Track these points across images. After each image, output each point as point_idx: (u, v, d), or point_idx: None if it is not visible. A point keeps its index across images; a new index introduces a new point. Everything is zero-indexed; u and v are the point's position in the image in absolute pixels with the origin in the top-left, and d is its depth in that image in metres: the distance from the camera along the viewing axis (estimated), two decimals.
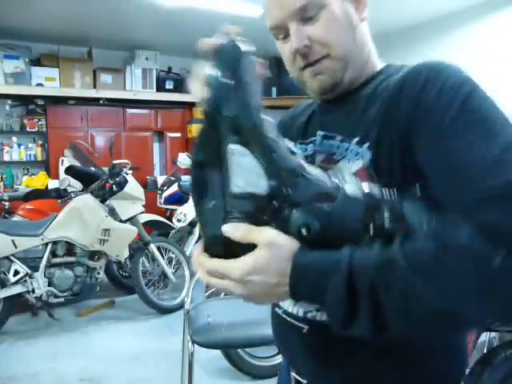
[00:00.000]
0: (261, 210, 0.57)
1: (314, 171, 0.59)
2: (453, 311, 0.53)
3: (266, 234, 0.57)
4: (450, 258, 0.52)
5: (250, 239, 0.57)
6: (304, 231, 0.55)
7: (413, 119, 0.63)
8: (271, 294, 0.60)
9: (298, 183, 0.56)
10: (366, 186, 0.60)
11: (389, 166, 0.65)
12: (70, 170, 3.51)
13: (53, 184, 4.59)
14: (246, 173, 0.55)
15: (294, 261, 0.57)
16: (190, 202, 4.10)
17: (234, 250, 0.57)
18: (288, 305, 0.76)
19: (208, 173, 0.59)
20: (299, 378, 0.80)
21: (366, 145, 0.68)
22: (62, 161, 4.68)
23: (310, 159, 0.77)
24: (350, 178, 0.60)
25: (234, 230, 0.57)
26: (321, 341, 0.70)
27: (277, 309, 0.81)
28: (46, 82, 4.89)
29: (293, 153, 0.59)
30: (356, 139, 0.70)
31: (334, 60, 0.72)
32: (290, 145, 0.60)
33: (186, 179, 4.67)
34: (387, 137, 0.66)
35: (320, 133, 0.78)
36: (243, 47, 0.59)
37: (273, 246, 0.57)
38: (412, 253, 0.54)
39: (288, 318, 0.76)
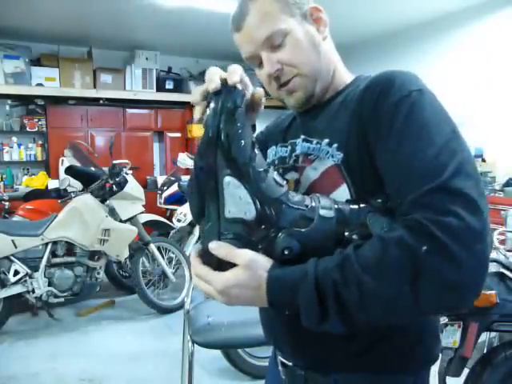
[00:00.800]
0: (250, 233, 0.67)
1: (295, 198, 0.70)
2: (394, 298, 0.61)
3: (246, 256, 0.66)
4: (387, 251, 0.61)
5: (230, 258, 0.67)
6: (286, 252, 0.66)
7: (370, 129, 0.73)
8: (250, 303, 0.70)
9: (282, 210, 0.67)
10: (339, 205, 0.70)
11: (359, 165, 0.75)
12: (69, 170, 3.51)
13: (53, 184, 4.59)
14: (237, 201, 0.65)
15: (268, 276, 0.67)
16: None
17: (222, 263, 0.67)
18: None
19: (205, 193, 0.69)
20: (285, 361, 0.87)
21: (335, 145, 0.78)
22: (62, 161, 4.68)
23: (288, 159, 0.89)
24: (325, 199, 0.71)
25: (219, 249, 0.67)
26: (301, 321, 0.75)
27: None
28: (45, 82, 4.89)
29: (278, 183, 0.69)
30: (326, 140, 0.80)
31: (303, 77, 0.82)
32: (277, 177, 0.70)
33: (186, 179, 4.66)
34: (355, 140, 0.75)
35: (302, 137, 0.88)
36: (242, 93, 0.69)
37: (251, 266, 0.66)
38: (361, 250, 0.64)
39: None
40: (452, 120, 0.70)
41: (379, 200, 0.71)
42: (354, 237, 0.67)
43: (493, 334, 2.18)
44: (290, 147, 0.90)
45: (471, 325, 1.74)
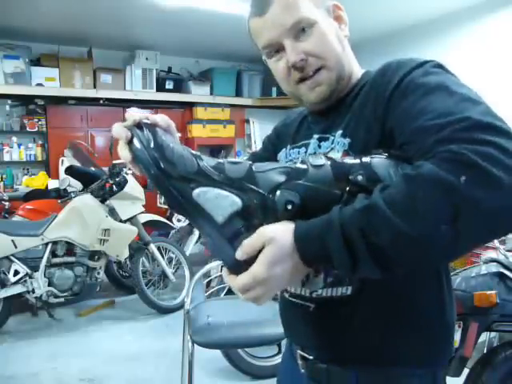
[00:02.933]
0: (251, 217, 0.66)
1: (266, 165, 0.69)
2: (432, 237, 0.57)
3: (263, 233, 0.64)
4: (418, 189, 0.57)
5: (256, 248, 0.63)
6: (289, 206, 0.64)
7: (384, 105, 0.72)
8: (292, 274, 0.65)
9: (257, 180, 0.66)
10: (332, 157, 0.69)
11: (367, 146, 0.73)
12: (69, 170, 3.52)
13: (53, 184, 4.58)
14: (217, 202, 0.65)
15: (294, 235, 0.63)
16: None
17: (251, 262, 0.65)
18: (295, 288, 0.83)
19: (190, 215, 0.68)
20: (305, 355, 0.86)
21: (348, 133, 0.78)
22: (62, 161, 4.68)
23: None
24: (314, 156, 0.70)
25: (243, 252, 0.64)
26: (325, 316, 0.78)
27: (284, 293, 0.87)
28: (46, 82, 4.89)
29: (236, 163, 0.69)
30: (340, 132, 0.79)
31: (329, 70, 0.80)
32: (232, 159, 0.70)
33: None
34: (365, 124, 0.75)
35: (316, 136, 0.86)
36: (149, 124, 0.69)
37: (273, 239, 0.63)
38: (388, 194, 0.59)
39: (295, 300, 0.83)
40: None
41: (380, 150, 0.69)
42: (359, 178, 0.64)
43: (493, 334, 2.18)
44: (303, 148, 0.88)
45: (471, 325, 1.74)
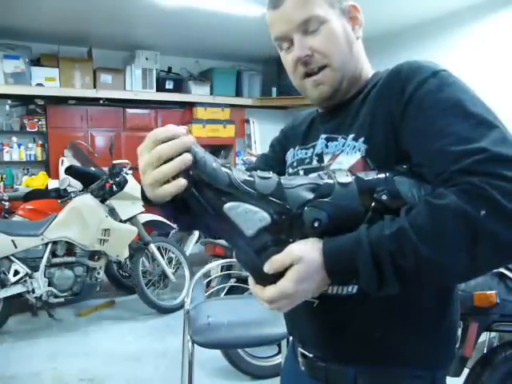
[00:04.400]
0: (278, 232, 0.67)
1: (294, 180, 0.71)
2: (452, 263, 0.62)
3: (292, 251, 0.66)
4: (442, 219, 0.61)
5: (285, 265, 0.66)
6: (316, 224, 0.67)
7: (397, 113, 0.73)
8: (317, 288, 0.70)
9: (286, 196, 0.68)
10: (357, 173, 0.71)
11: (384, 154, 0.75)
12: (69, 170, 3.51)
13: (53, 184, 4.58)
14: (247, 217, 0.67)
15: (323, 253, 0.67)
16: None
17: (278, 275, 0.67)
18: None
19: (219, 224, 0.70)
20: (305, 352, 0.88)
21: (362, 139, 0.78)
22: (62, 161, 4.68)
23: (309, 160, 0.88)
24: (340, 171, 0.72)
25: (271, 267, 0.66)
26: (328, 313, 0.79)
27: None
28: (46, 82, 4.89)
29: (265, 178, 0.70)
30: (352, 135, 0.80)
31: (332, 70, 0.81)
32: (261, 173, 0.71)
33: None
34: (380, 130, 0.76)
35: (323, 136, 0.87)
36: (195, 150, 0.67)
37: (302, 258, 0.66)
38: (414, 219, 0.63)
39: None
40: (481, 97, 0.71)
41: (404, 166, 0.71)
42: (384, 197, 0.67)
43: (493, 334, 2.18)
44: (311, 149, 0.89)
45: (471, 325, 1.74)
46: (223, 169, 0.67)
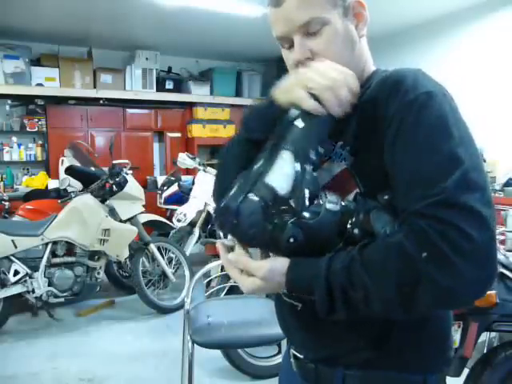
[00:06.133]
0: (272, 205, 0.70)
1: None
2: (393, 299, 0.64)
3: (262, 269, 0.72)
4: (389, 257, 0.64)
5: (248, 270, 0.73)
6: (291, 240, 0.70)
7: (380, 131, 0.72)
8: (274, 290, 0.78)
9: (304, 202, 0.71)
10: (345, 202, 0.74)
11: (369, 168, 0.75)
12: (69, 170, 3.51)
13: (53, 184, 4.59)
14: (282, 175, 0.71)
15: (286, 279, 0.72)
16: (190, 202, 4.10)
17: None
18: None
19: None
20: (297, 353, 0.89)
21: (347, 148, 0.78)
22: (62, 161, 4.67)
23: None
24: (332, 195, 0.75)
25: (237, 262, 0.74)
26: (312, 316, 0.77)
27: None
28: (45, 82, 4.89)
29: (316, 181, 0.73)
30: (340, 143, 0.80)
31: None
32: (315, 174, 0.74)
33: (186, 179, 4.67)
34: (365, 143, 0.76)
35: None
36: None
37: (268, 277, 0.72)
38: (366, 252, 0.67)
39: (286, 298, 0.84)
40: (463, 122, 0.69)
41: (386, 197, 0.72)
42: (356, 231, 0.70)
43: (493, 334, 2.18)
44: None
45: (471, 325, 1.74)
46: (319, 149, 0.74)
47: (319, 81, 0.71)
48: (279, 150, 0.72)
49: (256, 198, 0.70)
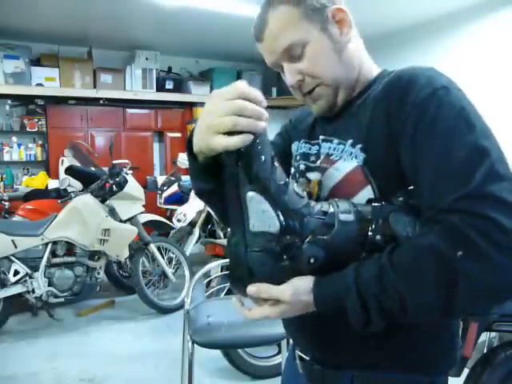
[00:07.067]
0: (276, 244, 0.68)
1: (315, 208, 0.71)
2: (431, 303, 0.63)
3: (286, 293, 0.69)
4: (421, 260, 0.63)
5: (273, 298, 0.70)
6: (312, 260, 0.68)
7: (395, 129, 0.72)
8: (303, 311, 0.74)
9: (304, 221, 0.69)
10: (358, 207, 0.72)
11: (383, 166, 0.74)
12: (69, 170, 3.51)
13: (53, 184, 4.59)
14: (261, 215, 0.67)
15: (314, 297, 0.70)
16: (190, 202, 4.10)
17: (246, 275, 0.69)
18: None
19: (229, 205, 0.71)
20: (302, 355, 0.88)
21: (359, 146, 0.77)
22: (62, 161, 4.67)
23: (314, 158, 0.88)
24: (343, 204, 0.73)
25: (259, 292, 0.69)
26: (320, 319, 0.77)
27: None
28: (45, 82, 4.89)
29: (298, 195, 0.70)
30: (350, 141, 0.79)
31: (326, 86, 0.81)
32: (297, 189, 0.71)
33: (186, 179, 4.67)
34: (379, 140, 0.75)
35: (321, 137, 0.88)
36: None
37: (293, 301, 0.70)
38: (395, 258, 0.65)
39: None
40: (481, 116, 0.69)
41: (400, 198, 0.71)
42: (378, 237, 0.69)
43: (493, 334, 2.18)
44: (316, 146, 0.89)
45: (471, 325, 1.74)
46: (272, 162, 0.68)
47: (222, 120, 0.65)
48: (242, 197, 0.67)
49: (256, 250, 0.67)
